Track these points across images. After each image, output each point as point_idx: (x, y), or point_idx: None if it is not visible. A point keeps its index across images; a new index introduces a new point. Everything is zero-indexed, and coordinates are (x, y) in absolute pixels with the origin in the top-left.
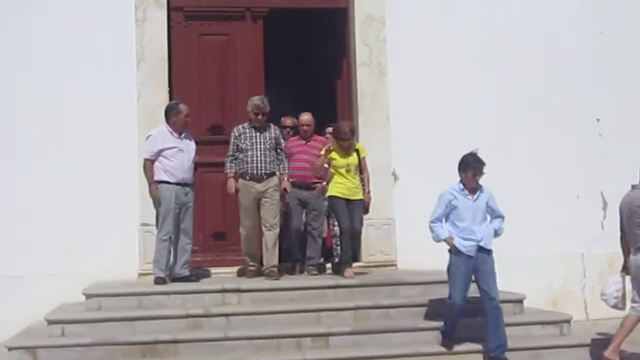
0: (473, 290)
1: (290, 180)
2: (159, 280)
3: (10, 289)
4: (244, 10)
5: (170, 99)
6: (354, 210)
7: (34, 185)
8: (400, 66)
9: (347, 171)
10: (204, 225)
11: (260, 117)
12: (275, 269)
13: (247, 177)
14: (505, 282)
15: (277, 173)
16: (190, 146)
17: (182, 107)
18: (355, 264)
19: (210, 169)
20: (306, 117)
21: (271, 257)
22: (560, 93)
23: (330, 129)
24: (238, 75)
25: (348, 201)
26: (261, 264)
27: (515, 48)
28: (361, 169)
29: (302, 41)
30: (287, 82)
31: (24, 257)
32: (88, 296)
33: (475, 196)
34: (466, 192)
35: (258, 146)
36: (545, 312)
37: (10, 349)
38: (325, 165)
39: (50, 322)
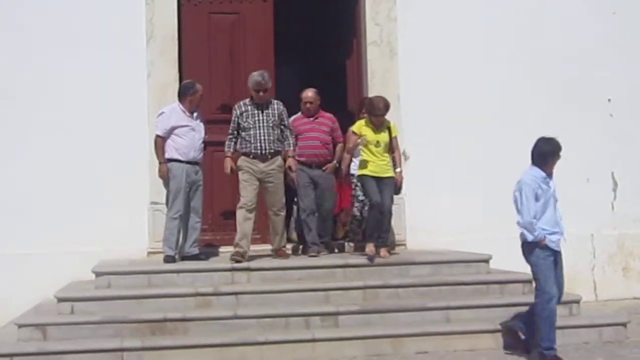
0: None
1: (300, 159)
2: (168, 259)
3: (20, 267)
4: None
5: (180, 77)
6: (384, 188)
7: (45, 163)
8: (411, 46)
9: (377, 147)
10: (213, 204)
11: (261, 93)
12: (283, 249)
13: (251, 156)
14: (515, 262)
15: (282, 152)
16: (200, 125)
17: (199, 86)
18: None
19: (220, 148)
20: (310, 93)
21: (280, 239)
22: (571, 73)
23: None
24: (248, 54)
25: (378, 179)
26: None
27: (527, 28)
28: (392, 147)
29: (312, 20)
30: (297, 61)
31: (33, 236)
32: (98, 274)
33: (552, 182)
34: (548, 179)
35: (261, 124)
36: None
37: (20, 326)
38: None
39: (60, 300)
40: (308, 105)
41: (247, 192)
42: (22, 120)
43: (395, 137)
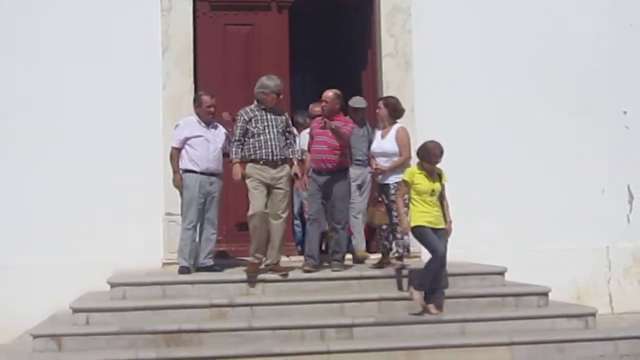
0: None
1: (311, 165)
2: (183, 270)
3: (35, 277)
4: (269, 0)
5: (196, 88)
6: (440, 240)
7: (60, 174)
8: (426, 57)
9: (432, 196)
10: (228, 215)
11: (281, 96)
12: (279, 263)
13: (261, 162)
14: (531, 274)
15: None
16: (218, 136)
17: (205, 98)
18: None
19: None
20: (329, 93)
21: (277, 253)
22: (588, 85)
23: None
24: (263, 66)
25: (434, 230)
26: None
27: (543, 40)
28: (442, 195)
29: (328, 32)
30: (312, 72)
31: (49, 246)
32: (113, 285)
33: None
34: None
35: (271, 129)
36: (570, 305)
37: (35, 336)
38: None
39: (75, 311)
40: (323, 104)
41: (258, 200)
42: (38, 130)
43: (444, 185)
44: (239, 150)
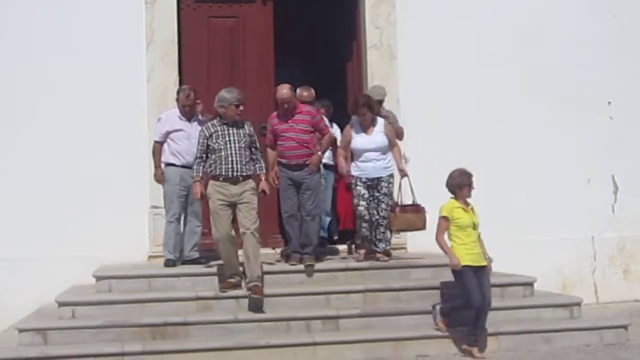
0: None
1: (281, 161)
2: (168, 263)
3: (20, 271)
4: None
5: (180, 81)
6: (484, 279)
7: (45, 168)
8: (411, 49)
9: (474, 230)
10: None
11: (241, 108)
12: (258, 284)
13: (221, 179)
14: (516, 265)
15: (253, 175)
16: (199, 128)
17: (182, 94)
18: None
19: None
20: (284, 91)
21: (254, 268)
22: (572, 76)
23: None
24: (248, 58)
25: (476, 270)
26: (243, 274)
27: (527, 31)
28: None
29: (313, 23)
30: (297, 64)
31: (34, 240)
32: (98, 278)
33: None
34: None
35: (233, 145)
36: (555, 295)
37: (21, 330)
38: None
39: (61, 304)
40: (285, 105)
41: (221, 224)
42: (21, 124)
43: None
44: (200, 167)
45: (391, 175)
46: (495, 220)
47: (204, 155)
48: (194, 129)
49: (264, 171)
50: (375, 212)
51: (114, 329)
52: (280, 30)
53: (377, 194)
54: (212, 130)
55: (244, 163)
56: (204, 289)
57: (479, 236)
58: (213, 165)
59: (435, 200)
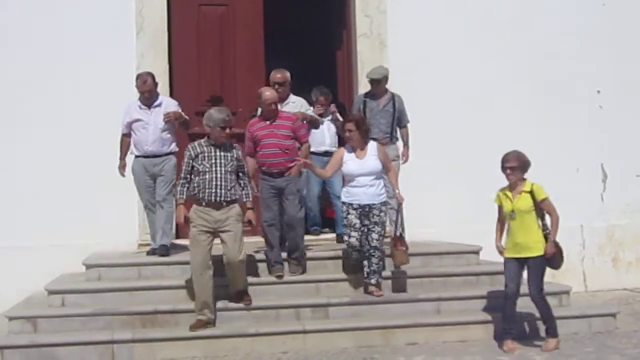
0: None
1: (262, 168)
2: (149, 252)
3: (10, 259)
4: None
5: (170, 70)
6: (530, 271)
7: (34, 157)
8: (401, 38)
9: (512, 219)
10: None
11: (227, 130)
12: (248, 297)
13: (204, 204)
14: None
15: (239, 200)
16: (159, 116)
17: (139, 80)
18: None
19: None
20: (268, 93)
21: (243, 282)
22: (561, 64)
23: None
24: (238, 46)
25: (519, 261)
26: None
27: (516, 19)
28: (542, 213)
29: (302, 11)
30: (286, 52)
31: (24, 229)
32: (88, 267)
33: None
34: None
35: (218, 168)
36: (544, 284)
37: (10, 318)
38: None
39: (51, 293)
40: (273, 107)
41: (198, 254)
42: (12, 115)
43: (545, 201)
44: (185, 189)
45: (384, 203)
46: (483, 208)
47: (189, 176)
48: (154, 116)
49: (251, 199)
50: (366, 242)
51: (104, 317)
52: (270, 19)
53: (367, 222)
54: (199, 150)
55: (228, 188)
56: None
57: (543, 222)
58: (197, 189)
59: (427, 187)
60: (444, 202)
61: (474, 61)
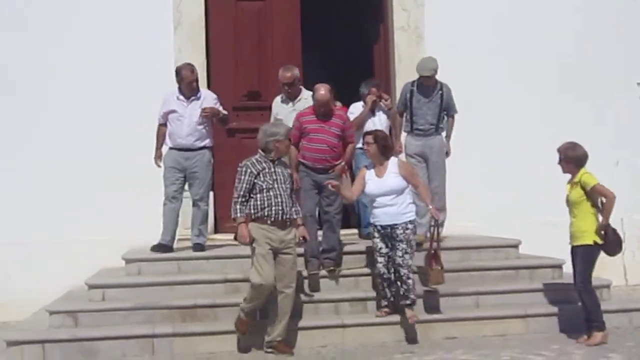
0: None
1: (304, 162)
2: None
3: (50, 255)
4: None
5: (208, 64)
6: (575, 261)
7: (74, 152)
8: (438, 31)
9: (568, 207)
10: None
11: (287, 142)
12: (283, 343)
13: (269, 222)
14: (545, 247)
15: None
16: (195, 109)
17: (185, 71)
18: None
19: (247, 135)
20: (322, 92)
21: (284, 328)
22: (601, 56)
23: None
24: (275, 41)
25: (571, 249)
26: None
27: (553, 12)
28: (593, 202)
29: (340, 5)
30: (324, 46)
31: (64, 225)
32: (128, 261)
33: None
34: None
35: (280, 185)
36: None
37: (51, 313)
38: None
39: (91, 287)
40: (322, 110)
41: (267, 270)
42: (46, 108)
43: (594, 188)
44: (244, 207)
45: (409, 222)
46: (523, 202)
47: (248, 194)
48: (190, 108)
49: (301, 215)
50: (392, 262)
51: (144, 311)
52: (307, 13)
53: (393, 243)
54: (259, 167)
55: (290, 206)
56: (233, 271)
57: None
58: (260, 207)
59: (464, 180)
60: (484, 195)
61: (513, 54)
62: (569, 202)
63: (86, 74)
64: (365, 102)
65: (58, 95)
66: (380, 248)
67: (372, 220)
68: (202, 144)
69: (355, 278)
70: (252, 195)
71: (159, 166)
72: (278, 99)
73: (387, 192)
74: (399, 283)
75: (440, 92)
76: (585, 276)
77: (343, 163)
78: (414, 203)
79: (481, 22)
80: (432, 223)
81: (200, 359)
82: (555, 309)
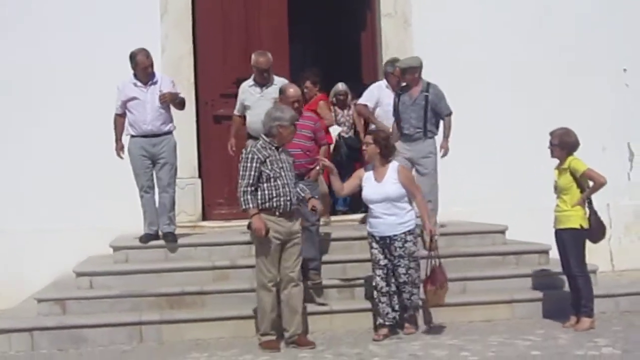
0: None
1: None
2: (142, 238)
3: (38, 242)
4: None
5: (195, 51)
6: (562, 244)
7: (61, 141)
8: (425, 17)
9: (555, 193)
10: (230, 179)
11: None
12: (303, 335)
13: (277, 213)
14: (531, 233)
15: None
16: (156, 93)
17: (140, 56)
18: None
19: None
20: (292, 90)
21: (299, 321)
22: (587, 43)
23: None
24: (262, 28)
25: (556, 233)
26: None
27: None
28: (582, 188)
29: None
30: (311, 34)
31: (51, 212)
32: (115, 249)
33: None
34: None
35: (287, 173)
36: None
37: (39, 300)
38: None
39: (79, 275)
40: (296, 105)
41: (274, 266)
42: (37, 97)
43: (585, 173)
44: (254, 197)
45: (408, 232)
46: (510, 188)
47: (256, 182)
48: (150, 93)
49: (307, 190)
50: (392, 279)
51: (132, 298)
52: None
53: (391, 257)
54: (265, 153)
55: (294, 194)
56: (220, 258)
57: (564, 198)
58: (267, 196)
59: (452, 166)
60: (470, 181)
61: (500, 39)
62: (557, 188)
63: (69, 62)
64: (389, 82)
65: (49, 85)
66: (379, 260)
67: (369, 230)
68: (167, 128)
69: (342, 265)
70: (259, 184)
71: (121, 157)
72: (245, 84)
73: (383, 199)
74: (402, 298)
75: (424, 94)
76: (580, 261)
77: (317, 168)
78: (413, 209)
79: (469, 8)
80: (428, 239)
81: (188, 346)
82: (541, 294)
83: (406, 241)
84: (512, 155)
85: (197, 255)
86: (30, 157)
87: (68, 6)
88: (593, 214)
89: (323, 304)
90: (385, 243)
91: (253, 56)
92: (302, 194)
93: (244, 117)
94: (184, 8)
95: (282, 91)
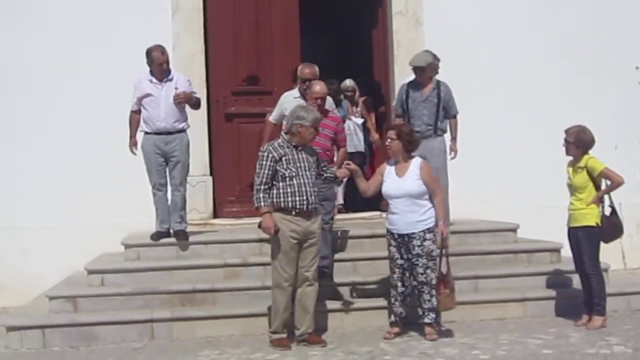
0: None
1: None
2: (153, 235)
3: (50, 240)
4: None
5: (206, 49)
6: (577, 242)
7: (73, 138)
8: (437, 15)
9: (571, 194)
10: (241, 176)
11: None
12: (314, 334)
13: (294, 213)
14: (543, 231)
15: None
16: (170, 91)
17: (155, 52)
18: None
19: (246, 120)
20: (318, 87)
21: (310, 321)
22: (600, 40)
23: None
24: (273, 26)
25: (570, 231)
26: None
27: None
28: (598, 187)
29: None
30: (323, 32)
31: (63, 209)
32: (127, 246)
33: None
34: None
35: (305, 172)
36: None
37: (51, 298)
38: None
39: (90, 272)
40: (319, 101)
41: (291, 266)
42: (50, 95)
43: (602, 172)
44: (267, 196)
45: (428, 230)
46: (521, 186)
47: (270, 181)
48: (165, 90)
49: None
50: (410, 278)
51: (143, 296)
52: None
53: (409, 256)
54: (281, 152)
55: (314, 193)
56: (232, 256)
57: (579, 196)
58: (283, 196)
59: (462, 164)
60: (481, 179)
61: (512, 38)
62: (572, 186)
63: (80, 61)
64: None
65: (58, 82)
66: (397, 258)
67: (387, 227)
68: (180, 126)
69: (353, 263)
70: (274, 182)
71: (134, 154)
72: (290, 95)
73: (403, 194)
74: (420, 300)
75: (437, 90)
76: (594, 259)
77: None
78: (434, 207)
79: (480, 5)
80: (439, 239)
81: (199, 344)
82: (553, 293)
83: (425, 239)
84: (522, 153)
85: (208, 253)
86: (44, 154)
87: (78, 5)
88: (614, 213)
89: (349, 302)
90: (404, 241)
91: (299, 67)
92: (331, 175)
93: (278, 126)
94: (195, 6)
95: (309, 86)
